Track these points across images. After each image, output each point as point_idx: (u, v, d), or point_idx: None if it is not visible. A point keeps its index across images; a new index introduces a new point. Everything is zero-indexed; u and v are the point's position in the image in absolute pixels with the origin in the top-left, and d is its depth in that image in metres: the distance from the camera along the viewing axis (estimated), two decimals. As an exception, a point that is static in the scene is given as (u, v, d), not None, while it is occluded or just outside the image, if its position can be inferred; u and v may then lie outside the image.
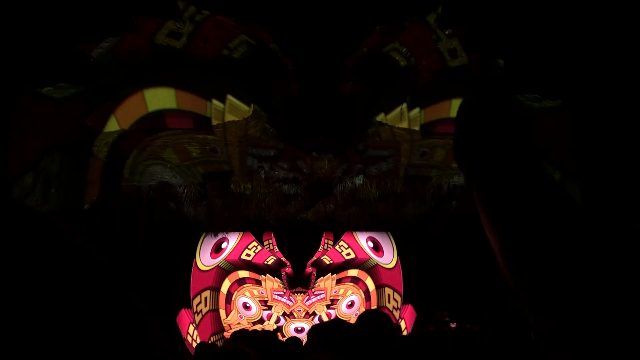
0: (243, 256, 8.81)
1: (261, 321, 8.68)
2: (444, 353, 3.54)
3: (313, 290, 8.86)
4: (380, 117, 7.33)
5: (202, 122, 7.22)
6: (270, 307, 8.77)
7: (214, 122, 7.25)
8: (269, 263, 8.82)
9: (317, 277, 8.93)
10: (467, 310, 7.42)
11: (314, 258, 8.99)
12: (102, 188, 6.79)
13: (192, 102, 7.17)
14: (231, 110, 7.36)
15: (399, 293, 9.10)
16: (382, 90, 7.36)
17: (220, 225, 8.18)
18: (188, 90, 7.13)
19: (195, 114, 7.23)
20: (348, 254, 9.05)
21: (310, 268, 8.99)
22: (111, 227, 6.89)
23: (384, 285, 9.04)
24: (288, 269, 8.85)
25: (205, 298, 8.67)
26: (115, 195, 6.90)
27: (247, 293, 8.79)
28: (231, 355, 1.83)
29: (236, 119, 7.31)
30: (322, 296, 8.94)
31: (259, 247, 8.88)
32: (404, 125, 7.34)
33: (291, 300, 8.83)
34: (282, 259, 8.82)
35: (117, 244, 6.89)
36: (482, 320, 6.98)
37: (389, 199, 7.72)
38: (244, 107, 7.38)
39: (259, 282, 8.79)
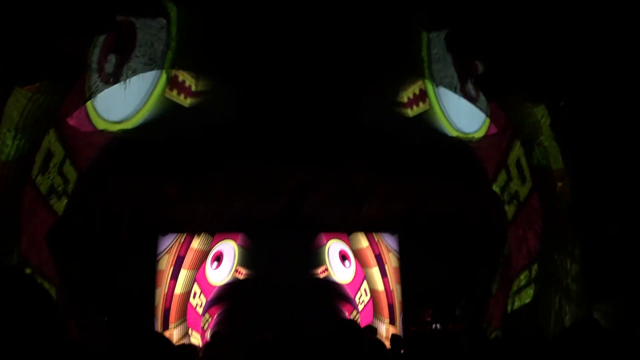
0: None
1: None
2: (430, 353, 3.53)
3: None
4: None
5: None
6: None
7: None
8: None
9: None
10: (450, 311, 7.43)
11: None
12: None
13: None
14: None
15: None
16: None
17: (204, 226, 8.04)
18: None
19: None
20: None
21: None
22: (93, 227, 6.76)
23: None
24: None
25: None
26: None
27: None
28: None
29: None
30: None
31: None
32: None
33: None
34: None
35: (99, 244, 6.78)
36: (462, 320, 7.01)
37: (375, 199, 7.61)
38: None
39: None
